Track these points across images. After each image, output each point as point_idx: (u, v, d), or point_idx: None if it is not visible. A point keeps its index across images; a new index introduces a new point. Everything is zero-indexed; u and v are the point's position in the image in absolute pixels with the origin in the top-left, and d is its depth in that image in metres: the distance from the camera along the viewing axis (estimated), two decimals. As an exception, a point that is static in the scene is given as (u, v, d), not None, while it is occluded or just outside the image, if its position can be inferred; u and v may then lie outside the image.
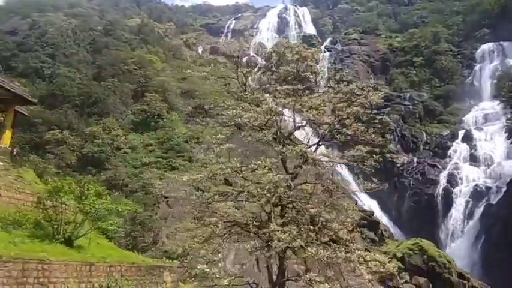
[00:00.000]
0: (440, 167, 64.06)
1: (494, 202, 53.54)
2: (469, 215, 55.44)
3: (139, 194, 49.76)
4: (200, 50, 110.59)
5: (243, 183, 11.85)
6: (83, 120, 59.43)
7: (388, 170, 61.83)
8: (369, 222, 45.83)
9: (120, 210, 18.21)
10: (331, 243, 11.01)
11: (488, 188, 56.42)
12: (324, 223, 11.10)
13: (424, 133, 71.14)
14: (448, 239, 55.98)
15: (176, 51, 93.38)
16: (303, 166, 11.63)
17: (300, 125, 12.79)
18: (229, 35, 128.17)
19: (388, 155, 59.08)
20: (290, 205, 11.76)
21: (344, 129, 11.64)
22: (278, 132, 12.65)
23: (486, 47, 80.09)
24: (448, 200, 58.82)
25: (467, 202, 56.83)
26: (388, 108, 73.50)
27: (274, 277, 12.39)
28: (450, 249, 52.22)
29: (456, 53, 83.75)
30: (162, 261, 22.42)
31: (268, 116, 12.25)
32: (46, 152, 50.54)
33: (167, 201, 51.40)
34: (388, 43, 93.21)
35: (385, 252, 41.30)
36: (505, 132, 60.69)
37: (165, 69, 79.22)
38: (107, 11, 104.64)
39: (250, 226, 11.46)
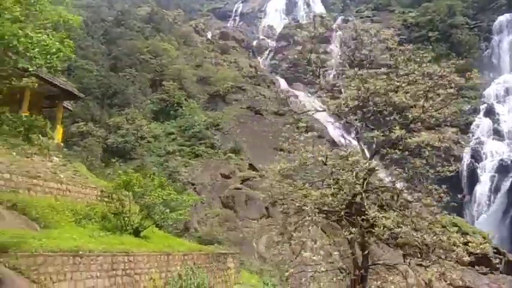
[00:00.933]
0: (463, 142, 63.68)
1: (521, 176, 53.32)
2: (495, 190, 55.30)
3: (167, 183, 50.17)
4: (209, 35, 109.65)
5: (333, 170, 11.86)
6: (105, 112, 59.67)
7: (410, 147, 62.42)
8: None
9: (187, 200, 18.44)
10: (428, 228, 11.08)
11: (515, 163, 56.09)
12: (420, 207, 11.15)
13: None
14: (475, 214, 55.98)
15: (187, 38, 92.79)
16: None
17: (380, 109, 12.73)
18: (238, 18, 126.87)
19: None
20: (382, 189, 11.83)
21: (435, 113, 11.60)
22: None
23: (504, 18, 78.55)
24: (473, 176, 58.62)
25: (492, 177, 56.61)
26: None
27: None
28: (478, 225, 52.22)
29: (472, 26, 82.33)
30: (221, 248, 22.76)
31: (356, 102, 12.17)
32: (73, 144, 50.86)
33: (194, 188, 51.92)
34: (402, 19, 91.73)
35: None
36: (529, 105, 60.03)
37: (178, 56, 78.93)
38: (116, 1, 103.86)
39: (342, 213, 11.54)
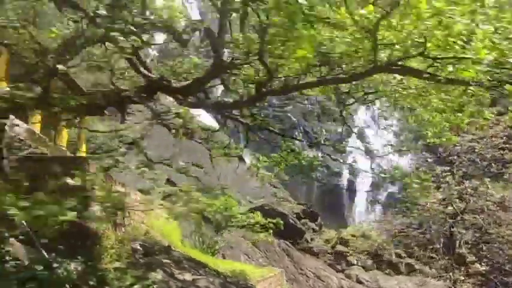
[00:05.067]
0: (341, 160, 72.94)
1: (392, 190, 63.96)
2: (372, 202, 64.88)
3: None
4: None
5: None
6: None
7: (296, 164, 70.36)
8: (309, 213, 50.15)
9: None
10: None
11: (385, 179, 66.88)
12: None
13: (323, 130, 79.49)
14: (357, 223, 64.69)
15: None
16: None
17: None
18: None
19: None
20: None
21: None
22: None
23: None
24: (352, 189, 67.63)
25: (368, 192, 66.25)
26: (290, 107, 79.88)
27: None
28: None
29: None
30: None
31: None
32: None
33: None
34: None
35: (327, 240, 46.17)
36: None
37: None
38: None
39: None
